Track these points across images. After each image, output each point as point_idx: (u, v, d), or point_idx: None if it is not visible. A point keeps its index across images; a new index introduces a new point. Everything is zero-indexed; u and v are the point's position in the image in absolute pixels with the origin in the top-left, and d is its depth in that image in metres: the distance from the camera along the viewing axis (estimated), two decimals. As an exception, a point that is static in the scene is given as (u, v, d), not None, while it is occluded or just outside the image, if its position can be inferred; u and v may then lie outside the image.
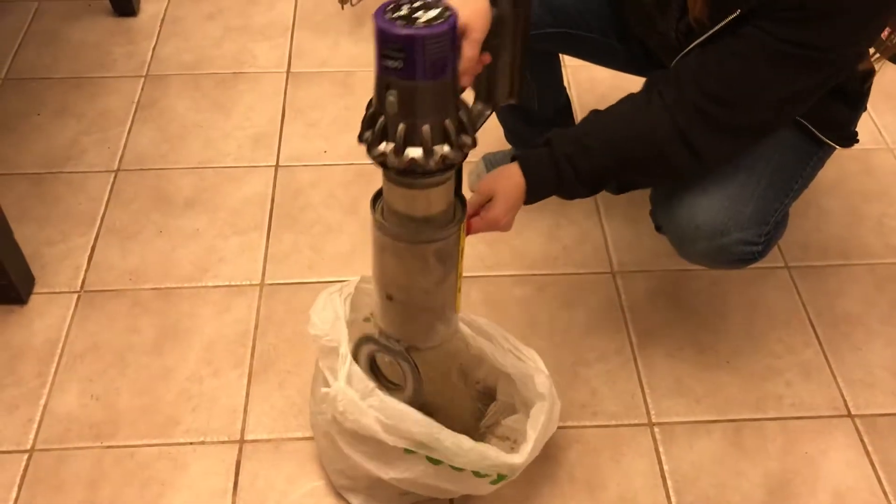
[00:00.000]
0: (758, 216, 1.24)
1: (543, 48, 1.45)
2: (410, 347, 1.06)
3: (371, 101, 0.89)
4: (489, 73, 1.03)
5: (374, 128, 0.87)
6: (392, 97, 0.83)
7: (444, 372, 1.18)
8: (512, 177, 1.14)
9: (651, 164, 1.15)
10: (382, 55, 0.81)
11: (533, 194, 1.15)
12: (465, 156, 0.91)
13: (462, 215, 0.99)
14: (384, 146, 0.87)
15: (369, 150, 0.89)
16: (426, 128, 0.85)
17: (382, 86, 0.84)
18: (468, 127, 0.89)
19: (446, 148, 0.87)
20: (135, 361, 1.45)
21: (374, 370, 1.11)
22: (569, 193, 1.18)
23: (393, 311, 1.04)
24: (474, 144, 0.91)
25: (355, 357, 1.10)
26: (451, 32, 0.81)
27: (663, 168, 1.16)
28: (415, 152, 0.86)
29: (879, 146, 1.87)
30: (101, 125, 1.87)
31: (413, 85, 0.82)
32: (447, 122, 0.86)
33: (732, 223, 1.20)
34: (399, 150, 0.86)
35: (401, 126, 0.85)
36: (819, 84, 1.07)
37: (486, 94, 1.04)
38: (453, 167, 0.91)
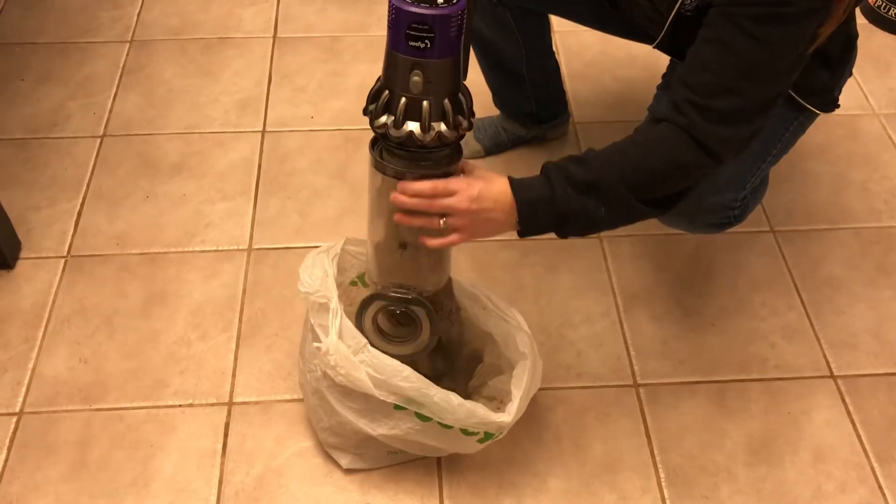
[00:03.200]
0: (734, 180, 1.24)
1: (536, 8, 1.44)
2: (420, 294, 1.12)
3: (380, 77, 0.97)
4: None
5: (378, 101, 0.96)
6: (417, 77, 0.91)
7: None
8: (500, 184, 1.04)
9: (664, 169, 1.06)
10: (409, 36, 0.87)
11: (521, 201, 1.03)
12: (461, 136, 0.99)
13: (460, 156, 1.05)
14: (385, 118, 0.95)
15: (372, 122, 0.97)
16: (426, 104, 0.93)
17: (406, 66, 0.90)
18: (465, 110, 0.97)
19: (443, 126, 0.95)
20: (122, 325, 1.45)
21: (379, 330, 1.15)
22: (563, 199, 1.04)
23: (407, 258, 1.08)
24: (470, 127, 0.99)
25: (360, 320, 1.13)
26: (464, 9, 0.88)
27: (677, 171, 1.07)
28: (413, 126, 0.94)
29: (866, 112, 1.87)
30: (86, 90, 1.86)
31: (434, 63, 0.90)
32: (446, 102, 0.94)
33: (709, 187, 1.20)
34: (398, 124, 0.94)
35: (402, 100, 0.93)
36: (798, 41, 1.02)
37: None
38: (447, 145, 0.98)
